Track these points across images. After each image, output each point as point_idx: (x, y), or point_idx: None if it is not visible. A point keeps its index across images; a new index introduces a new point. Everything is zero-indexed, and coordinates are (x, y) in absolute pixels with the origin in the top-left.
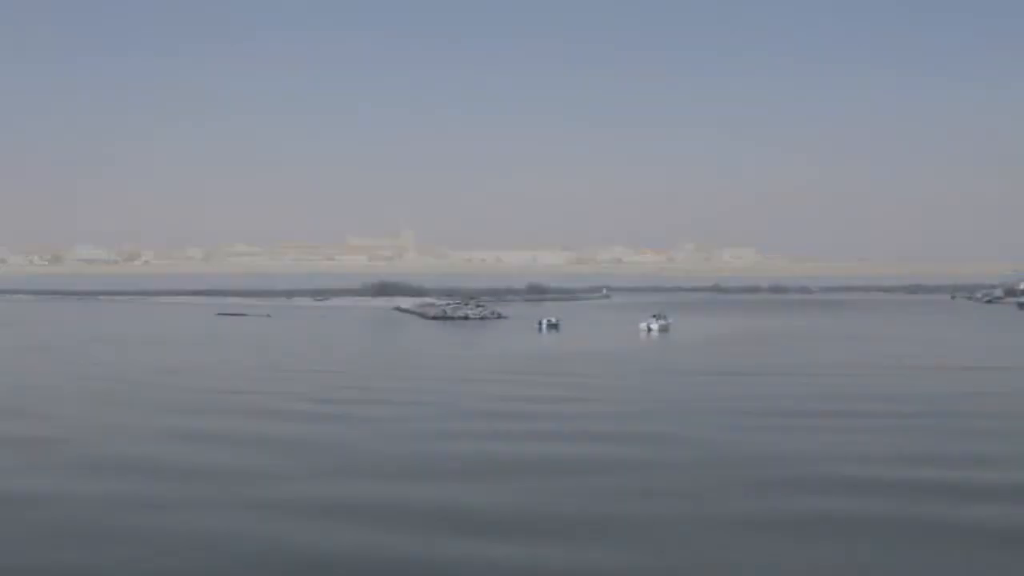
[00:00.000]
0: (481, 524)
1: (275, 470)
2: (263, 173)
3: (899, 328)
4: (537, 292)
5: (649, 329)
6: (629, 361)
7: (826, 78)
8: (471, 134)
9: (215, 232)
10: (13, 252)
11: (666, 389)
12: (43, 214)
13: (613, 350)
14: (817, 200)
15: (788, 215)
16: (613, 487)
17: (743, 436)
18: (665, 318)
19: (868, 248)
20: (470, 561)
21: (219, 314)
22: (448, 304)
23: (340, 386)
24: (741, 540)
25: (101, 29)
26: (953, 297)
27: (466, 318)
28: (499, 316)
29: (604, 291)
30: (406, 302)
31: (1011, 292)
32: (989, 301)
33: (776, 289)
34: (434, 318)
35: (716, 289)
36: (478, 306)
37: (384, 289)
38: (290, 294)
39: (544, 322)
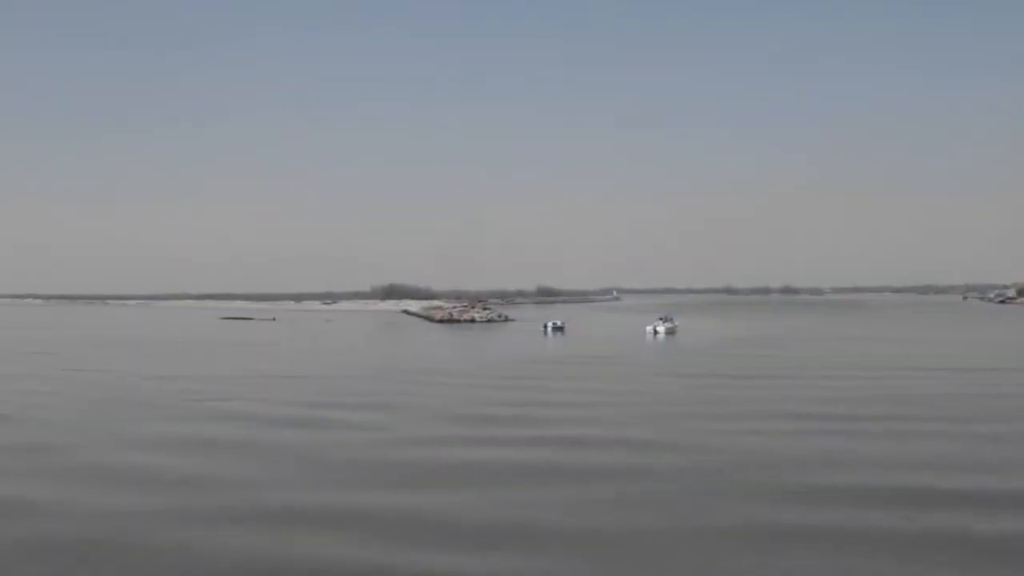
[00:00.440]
0: (449, 535)
1: (239, 477)
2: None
3: (909, 329)
4: (547, 294)
5: (655, 332)
6: (630, 364)
7: (833, 75)
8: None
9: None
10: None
11: (663, 392)
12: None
13: (616, 353)
14: (823, 201)
15: (792, 216)
16: (593, 496)
17: (739, 441)
18: (671, 320)
19: (879, 249)
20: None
21: (223, 318)
22: (454, 307)
23: (329, 391)
24: (732, 554)
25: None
26: (965, 298)
27: (472, 321)
28: (506, 319)
29: (614, 293)
30: (414, 305)
31: (1023, 292)
32: (1002, 301)
33: (787, 290)
34: (440, 321)
35: (727, 290)
36: (484, 309)
37: (392, 292)
38: (299, 298)
39: (549, 325)
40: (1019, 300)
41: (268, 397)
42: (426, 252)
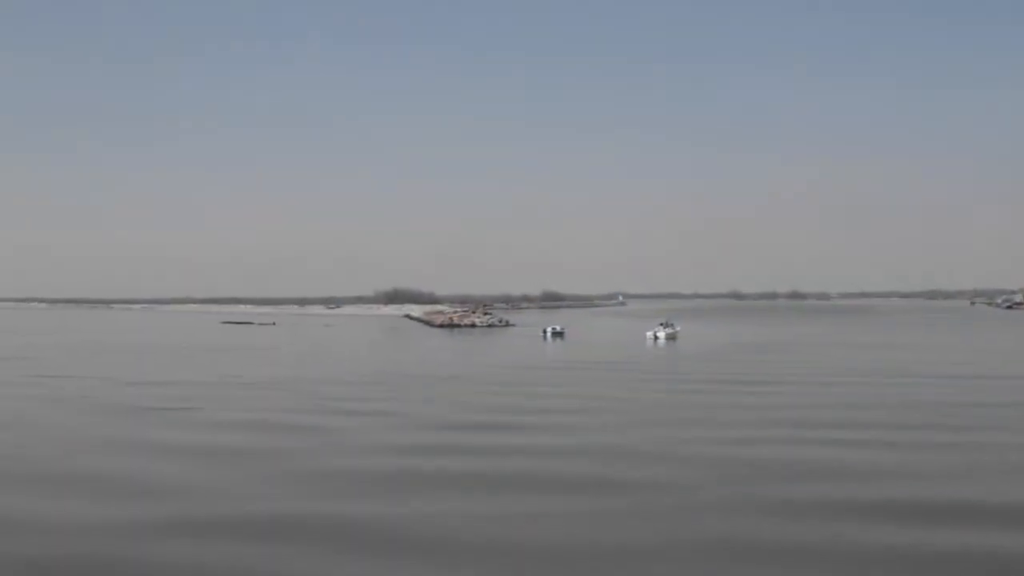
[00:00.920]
0: (405, 545)
1: (201, 486)
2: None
3: (914, 335)
4: (552, 299)
5: (656, 337)
6: (624, 370)
7: (840, 79)
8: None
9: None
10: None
11: (652, 400)
12: None
13: (612, 359)
14: (830, 206)
15: (799, 221)
16: (565, 509)
17: (723, 451)
18: (673, 326)
19: (886, 254)
20: None
21: (224, 323)
22: (455, 312)
23: (308, 397)
24: (703, 571)
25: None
26: (973, 303)
27: (473, 326)
28: (507, 324)
29: (620, 298)
30: (416, 310)
31: None
32: (1009, 307)
33: (794, 295)
34: (441, 326)
35: (733, 295)
36: (485, 314)
37: (396, 296)
38: (302, 302)
39: (549, 330)
40: None
41: (241, 405)
42: (431, 257)
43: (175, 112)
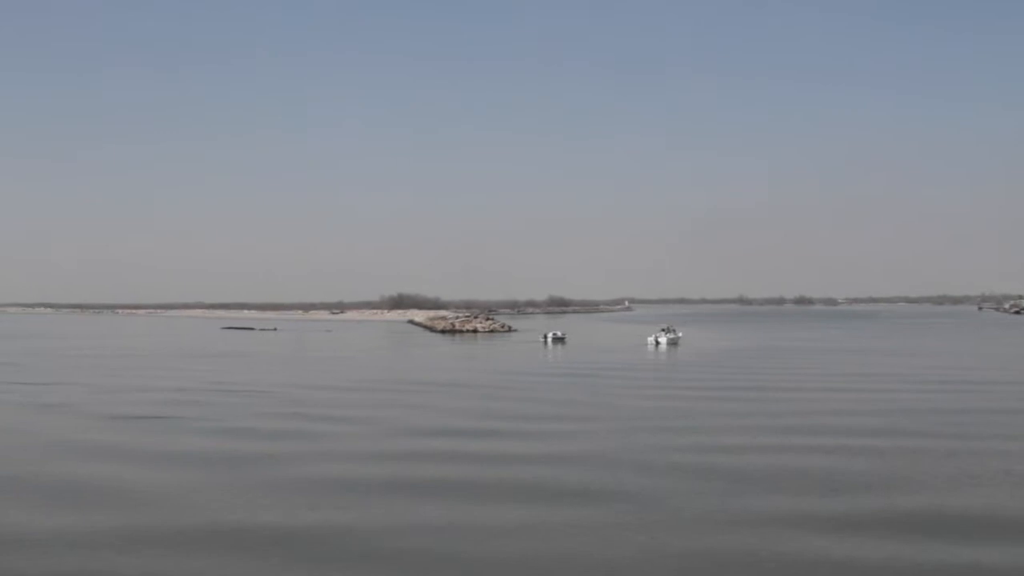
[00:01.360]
0: (378, 559)
1: (166, 495)
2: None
3: (920, 340)
4: (559, 304)
5: (656, 343)
6: (620, 377)
7: (848, 85)
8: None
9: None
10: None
11: (641, 407)
12: None
13: (609, 365)
14: (838, 211)
15: (807, 226)
16: (544, 518)
17: (701, 460)
18: (674, 331)
19: (893, 259)
20: None
21: (224, 328)
22: (456, 317)
23: (295, 403)
24: None
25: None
26: (980, 308)
27: (475, 331)
28: (509, 329)
29: (626, 303)
30: (420, 315)
31: None
32: (1017, 312)
33: (801, 300)
34: (442, 331)
35: (741, 301)
36: (487, 319)
37: (401, 302)
38: (308, 308)
39: (550, 336)
40: None
41: (218, 413)
42: (438, 262)
43: (181, 116)
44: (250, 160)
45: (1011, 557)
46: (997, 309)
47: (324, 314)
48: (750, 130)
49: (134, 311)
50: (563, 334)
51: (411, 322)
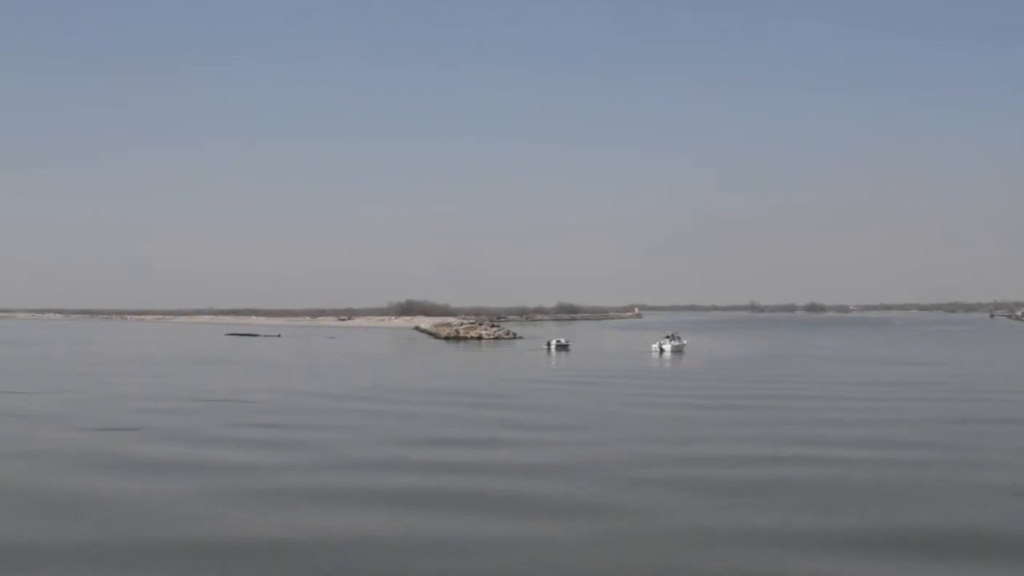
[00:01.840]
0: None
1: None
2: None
3: (934, 349)
4: (568, 312)
5: (661, 350)
6: (617, 385)
7: (857, 93)
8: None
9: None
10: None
11: (631, 417)
12: None
13: (610, 373)
14: (850, 218)
15: (819, 233)
16: (524, 531)
17: (683, 475)
18: (679, 338)
19: (906, 266)
20: None
21: (228, 334)
22: (461, 324)
23: (277, 411)
24: None
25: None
26: (992, 315)
27: (479, 338)
28: (514, 336)
29: (636, 310)
30: (426, 322)
31: None
32: None
33: (812, 307)
34: (447, 338)
35: (752, 308)
36: (492, 326)
37: (409, 308)
38: (315, 314)
39: (553, 343)
40: None
41: (190, 422)
42: (446, 269)
43: (186, 120)
44: (255, 165)
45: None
46: (1009, 316)
47: (332, 320)
48: (764, 137)
49: (143, 317)
50: (567, 341)
51: (417, 329)
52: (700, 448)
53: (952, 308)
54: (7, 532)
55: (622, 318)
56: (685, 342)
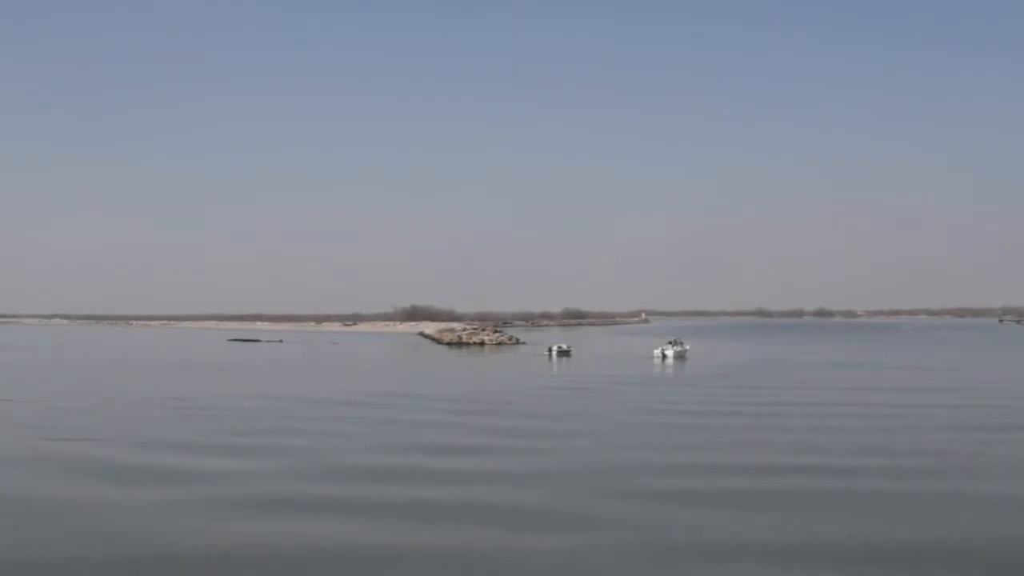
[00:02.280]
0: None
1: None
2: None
3: (941, 354)
4: (574, 317)
5: (663, 356)
6: (613, 393)
7: (866, 97)
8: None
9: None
10: None
11: (620, 430)
12: None
13: (608, 381)
14: (857, 223)
15: (827, 238)
16: (499, 544)
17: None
18: (682, 344)
19: (914, 271)
20: None
21: (230, 340)
22: (464, 330)
23: (252, 419)
24: None
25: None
26: (1001, 321)
27: (482, 344)
28: (517, 342)
29: (643, 315)
30: (430, 327)
31: None
32: None
33: (820, 313)
34: (449, 344)
35: (759, 313)
36: (495, 332)
37: (415, 313)
38: (320, 319)
39: (554, 349)
40: None
41: (155, 432)
42: (452, 273)
43: (189, 124)
44: (259, 169)
45: None
46: (1018, 322)
47: (337, 326)
48: (772, 142)
49: (148, 322)
50: (568, 347)
51: (421, 334)
52: (691, 457)
53: (961, 313)
54: None
55: (629, 323)
56: (688, 347)
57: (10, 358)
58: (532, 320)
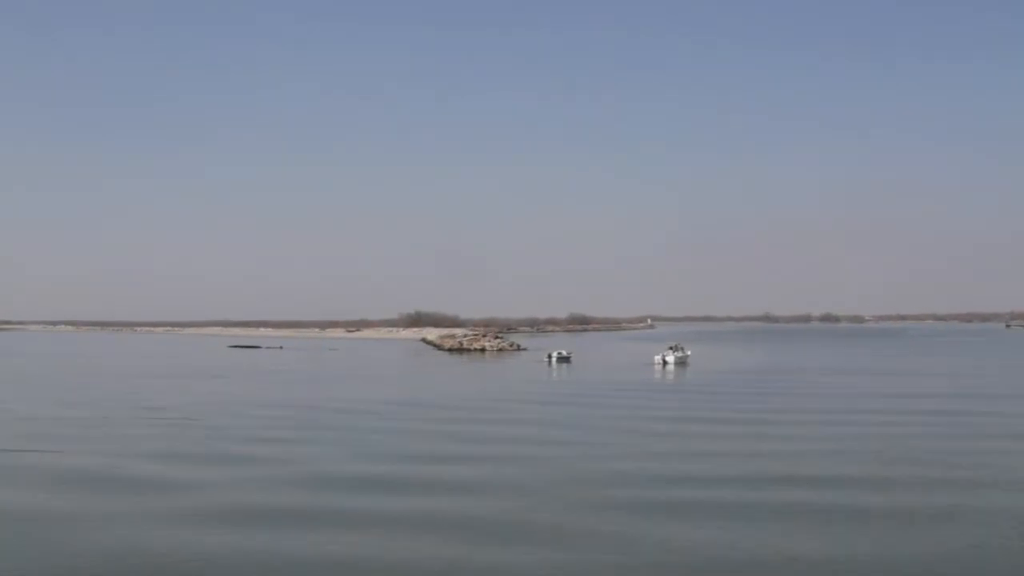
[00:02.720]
0: None
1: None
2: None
3: (949, 361)
4: (579, 322)
5: (664, 362)
6: (610, 401)
7: (874, 102)
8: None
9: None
10: None
11: (612, 441)
12: None
13: (606, 388)
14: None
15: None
16: (473, 556)
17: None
18: (683, 349)
19: (921, 277)
20: None
21: (230, 346)
22: (466, 335)
23: (225, 429)
24: None
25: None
26: (1008, 325)
27: (483, 350)
28: (519, 348)
29: (648, 321)
30: (433, 333)
31: None
32: None
33: (827, 318)
34: (450, 350)
35: (766, 318)
36: (496, 337)
37: (419, 319)
38: (323, 325)
39: (554, 355)
40: None
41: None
42: (457, 278)
43: (191, 127)
44: (259, 173)
45: None
46: None
47: (341, 332)
48: (780, 146)
49: (152, 329)
50: (568, 353)
51: (423, 340)
52: (681, 467)
53: (968, 318)
54: None
55: (634, 329)
56: (689, 353)
57: (10, 364)
58: (537, 326)
